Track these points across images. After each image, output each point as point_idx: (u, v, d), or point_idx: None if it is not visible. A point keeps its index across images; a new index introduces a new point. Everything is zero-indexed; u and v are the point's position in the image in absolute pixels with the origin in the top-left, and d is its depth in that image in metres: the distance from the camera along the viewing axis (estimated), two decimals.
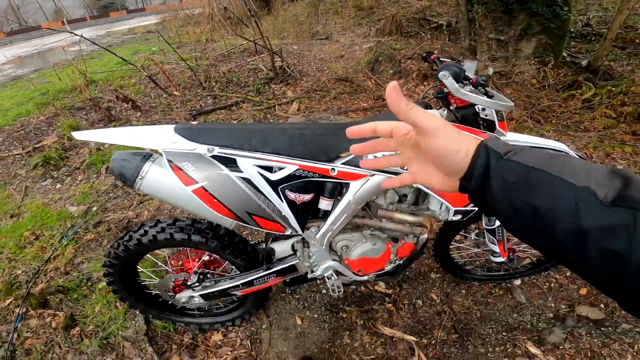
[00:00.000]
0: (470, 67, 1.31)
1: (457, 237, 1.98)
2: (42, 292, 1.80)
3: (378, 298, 1.98)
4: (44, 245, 2.17)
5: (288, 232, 1.26)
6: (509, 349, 1.72)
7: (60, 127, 3.19)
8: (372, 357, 1.70)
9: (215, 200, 1.14)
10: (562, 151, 1.38)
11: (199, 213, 1.23)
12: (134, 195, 2.57)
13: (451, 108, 1.30)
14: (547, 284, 2.09)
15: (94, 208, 2.43)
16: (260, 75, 4.44)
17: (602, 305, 1.93)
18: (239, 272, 1.50)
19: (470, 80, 1.25)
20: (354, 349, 1.74)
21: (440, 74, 1.21)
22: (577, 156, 1.40)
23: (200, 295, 1.50)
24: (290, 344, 1.75)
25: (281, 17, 7.29)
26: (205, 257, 1.58)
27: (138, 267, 1.58)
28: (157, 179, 1.16)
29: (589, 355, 1.68)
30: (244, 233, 2.33)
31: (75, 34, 3.95)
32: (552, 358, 1.67)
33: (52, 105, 3.81)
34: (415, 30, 4.81)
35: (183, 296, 1.52)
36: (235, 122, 3.57)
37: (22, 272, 2.01)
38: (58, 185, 2.70)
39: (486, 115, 1.25)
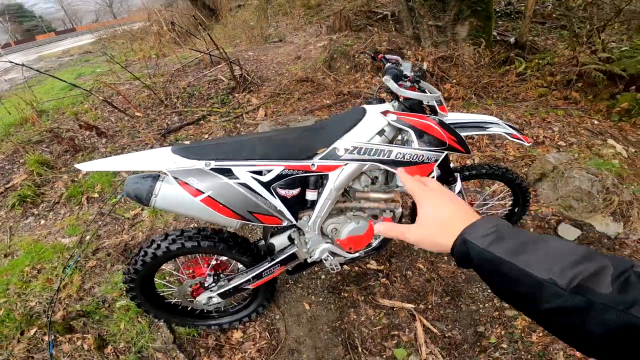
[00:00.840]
0: (406, 67, 1.59)
1: None
2: (64, 318, 1.85)
3: (372, 275, 2.20)
4: (49, 276, 2.19)
5: (285, 224, 1.45)
6: (497, 304, 1.99)
7: (26, 163, 3.08)
8: (379, 327, 1.92)
9: (221, 205, 1.31)
10: (493, 122, 1.70)
11: (209, 219, 1.39)
12: (123, 219, 2.60)
13: (400, 100, 1.56)
14: None
15: (87, 237, 2.44)
16: (221, 86, 4.49)
17: None
18: (246, 269, 1.66)
19: (408, 78, 1.53)
20: (361, 322, 1.95)
21: (384, 79, 1.49)
22: (507, 126, 1.70)
23: (218, 294, 1.65)
24: (304, 327, 1.93)
25: (230, 24, 7.26)
26: (213, 262, 1.71)
27: (155, 280, 1.69)
28: (169, 195, 1.30)
29: None
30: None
31: (16, 63, 3.78)
32: None
33: (8, 141, 3.62)
34: (364, 23, 5.08)
35: (202, 298, 1.67)
36: (207, 136, 3.63)
37: (35, 304, 2.04)
38: (42, 221, 2.65)
39: (428, 103, 1.54)
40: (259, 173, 1.33)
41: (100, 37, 11.16)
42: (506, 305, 1.99)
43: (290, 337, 1.89)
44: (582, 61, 3.65)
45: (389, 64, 1.67)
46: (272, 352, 1.82)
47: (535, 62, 3.93)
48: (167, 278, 2.05)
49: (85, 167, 1.28)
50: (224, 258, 1.73)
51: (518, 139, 1.70)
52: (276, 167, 1.34)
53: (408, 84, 1.56)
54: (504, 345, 1.80)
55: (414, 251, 2.36)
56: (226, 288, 1.64)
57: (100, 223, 2.56)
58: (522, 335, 1.82)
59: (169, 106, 4.20)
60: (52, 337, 1.79)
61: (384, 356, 1.80)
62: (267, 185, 1.35)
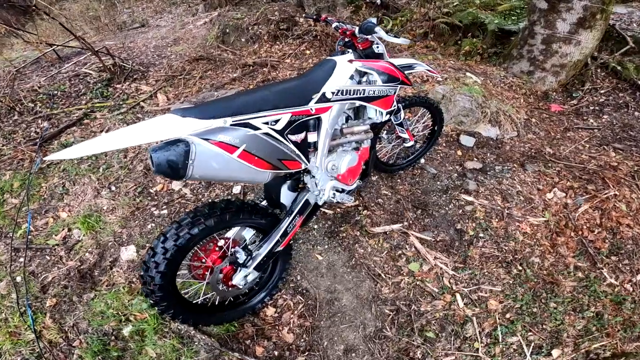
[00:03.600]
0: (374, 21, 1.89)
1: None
2: None
3: (353, 211, 2.37)
4: (9, 330, 1.60)
5: (303, 166, 1.53)
6: (456, 203, 2.43)
7: None
8: (385, 252, 2.13)
9: (256, 157, 1.29)
10: (417, 63, 2.10)
11: (244, 175, 1.33)
12: (50, 248, 1.98)
13: (357, 50, 1.82)
14: (438, 155, 2.95)
15: (18, 279, 1.79)
16: (91, 80, 3.69)
17: (475, 159, 2.91)
18: (263, 236, 1.63)
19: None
20: (370, 253, 2.11)
21: (377, 29, 1.72)
22: (425, 65, 2.11)
23: (254, 268, 1.54)
24: (328, 277, 1.98)
25: (62, 17, 5.83)
26: (221, 243, 1.56)
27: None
28: (205, 157, 1.16)
29: (499, 192, 2.54)
30: None
31: None
32: (483, 200, 2.47)
33: None
34: None
35: (239, 279, 1.53)
36: (104, 132, 2.99)
37: None
38: None
39: (379, 50, 1.84)
40: (271, 123, 1.34)
41: None
42: (462, 202, 2.46)
43: (321, 290, 1.91)
44: (432, 16, 4.52)
45: (340, 24, 1.92)
46: (314, 311, 1.81)
47: (399, 20, 4.65)
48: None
49: (76, 152, 0.98)
50: (231, 237, 1.60)
51: (434, 73, 2.23)
52: (285, 115, 1.38)
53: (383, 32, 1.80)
54: (481, 234, 2.24)
55: (374, 182, 2.62)
56: (260, 258, 1.55)
57: (21, 260, 1.90)
58: (486, 223, 2.31)
59: (25, 113, 3.22)
60: None
61: (404, 273, 2.02)
62: (281, 133, 1.38)
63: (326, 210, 2.32)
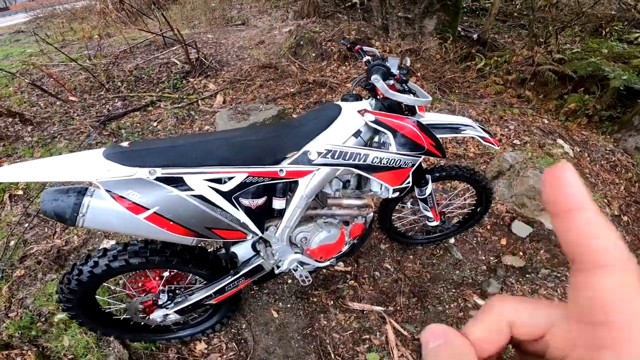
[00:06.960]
0: (393, 64, 1.44)
1: (396, 208, 2.10)
2: None
3: (340, 277, 2.11)
4: None
5: (250, 237, 1.28)
6: (461, 304, 1.99)
7: None
8: (350, 332, 1.84)
9: (171, 222, 1.09)
10: (467, 125, 1.60)
11: (157, 237, 1.17)
12: (54, 222, 2.24)
13: (378, 98, 1.43)
14: (474, 238, 2.46)
15: (12, 243, 2.09)
16: (174, 70, 4.10)
17: (521, 254, 2.35)
18: (206, 282, 1.48)
19: (395, 77, 1.39)
20: (332, 328, 1.86)
21: (373, 78, 1.34)
22: (480, 129, 1.62)
23: (175, 312, 1.45)
24: (274, 336, 1.80)
25: (189, 4, 6.72)
26: (166, 274, 1.50)
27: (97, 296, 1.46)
28: (101, 212, 1.05)
29: None
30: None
31: None
32: None
33: None
34: (332, 10, 4.92)
35: (157, 316, 1.46)
36: (155, 124, 3.28)
37: None
38: None
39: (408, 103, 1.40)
40: (218, 181, 1.13)
41: (37, 15, 9.87)
42: (470, 305, 2.00)
43: (259, 347, 1.75)
44: (538, 61, 3.81)
45: (374, 60, 1.53)
46: None
47: (494, 60, 4.04)
48: (112, 289, 1.80)
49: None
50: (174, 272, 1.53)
51: (490, 142, 1.64)
52: (238, 174, 1.14)
53: (391, 81, 1.41)
54: None
55: (382, 250, 2.31)
56: (184, 305, 1.44)
57: (26, 225, 2.19)
58: None
59: (110, 90, 3.74)
60: None
61: None
62: (227, 196, 1.15)
63: None
